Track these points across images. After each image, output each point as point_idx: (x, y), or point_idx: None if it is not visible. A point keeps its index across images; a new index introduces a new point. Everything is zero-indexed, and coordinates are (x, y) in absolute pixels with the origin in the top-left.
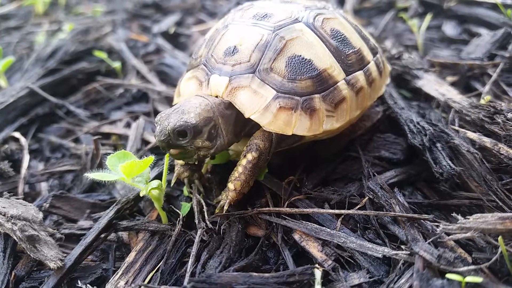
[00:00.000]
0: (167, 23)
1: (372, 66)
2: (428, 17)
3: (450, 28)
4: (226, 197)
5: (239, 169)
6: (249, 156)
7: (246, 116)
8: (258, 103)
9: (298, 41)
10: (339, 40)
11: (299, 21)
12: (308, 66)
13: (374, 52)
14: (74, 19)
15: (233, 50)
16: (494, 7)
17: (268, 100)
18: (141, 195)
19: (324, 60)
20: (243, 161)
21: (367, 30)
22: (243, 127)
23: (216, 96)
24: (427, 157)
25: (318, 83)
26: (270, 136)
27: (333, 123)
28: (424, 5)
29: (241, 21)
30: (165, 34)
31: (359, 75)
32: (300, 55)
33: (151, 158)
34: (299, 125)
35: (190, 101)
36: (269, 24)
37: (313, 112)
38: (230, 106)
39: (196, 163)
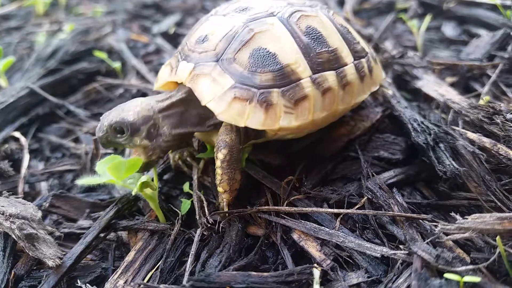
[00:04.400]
0: (167, 23)
1: (349, 69)
2: (428, 18)
3: (449, 29)
4: (222, 200)
5: (218, 171)
6: (220, 155)
7: (203, 103)
8: (215, 91)
9: (266, 34)
10: (312, 37)
11: (274, 16)
12: (271, 60)
13: (358, 55)
14: (74, 19)
15: (204, 39)
16: (493, 8)
17: (225, 89)
18: (133, 193)
19: (290, 55)
20: (218, 162)
21: (366, 31)
22: (200, 123)
23: (181, 83)
24: (430, 156)
25: (279, 77)
26: (234, 127)
27: (291, 120)
28: (423, 6)
29: (222, 13)
30: (165, 35)
31: (329, 75)
32: (266, 48)
33: (139, 159)
34: (253, 118)
35: (133, 101)
36: (244, 17)
37: (269, 106)
38: (175, 104)
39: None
